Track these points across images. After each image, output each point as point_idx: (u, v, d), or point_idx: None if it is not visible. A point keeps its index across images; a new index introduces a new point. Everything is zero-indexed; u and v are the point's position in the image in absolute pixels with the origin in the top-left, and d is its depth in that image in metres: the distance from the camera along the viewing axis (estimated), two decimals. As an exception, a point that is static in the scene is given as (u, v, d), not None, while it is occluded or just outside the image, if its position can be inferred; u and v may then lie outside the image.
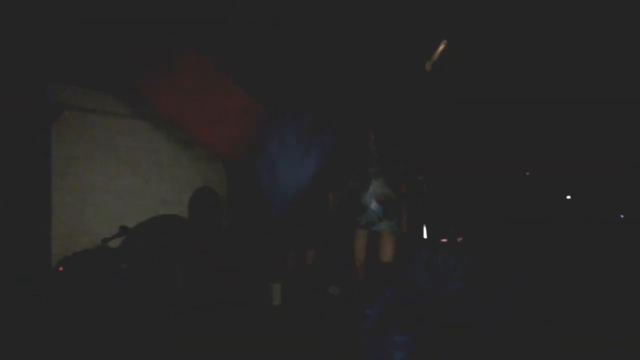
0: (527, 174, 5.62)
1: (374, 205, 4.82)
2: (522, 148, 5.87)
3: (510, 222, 5.70)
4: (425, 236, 6.15)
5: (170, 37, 5.75)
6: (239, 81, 6.34)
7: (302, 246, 5.55)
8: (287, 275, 5.48)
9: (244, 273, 6.36)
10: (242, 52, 6.15)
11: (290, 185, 5.05)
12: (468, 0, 5.68)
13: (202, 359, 3.61)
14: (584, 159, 5.54)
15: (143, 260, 3.81)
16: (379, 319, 3.63)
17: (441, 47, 6.07)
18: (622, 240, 5.01)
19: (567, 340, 3.43)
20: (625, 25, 5.10)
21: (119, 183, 6.77)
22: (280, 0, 5.57)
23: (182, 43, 5.88)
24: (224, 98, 6.45)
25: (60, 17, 5.30)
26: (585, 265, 4.79)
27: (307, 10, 5.59)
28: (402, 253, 5.22)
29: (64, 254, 5.56)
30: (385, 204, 4.80)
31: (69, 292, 4.04)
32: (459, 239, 5.83)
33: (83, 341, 3.43)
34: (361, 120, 5.91)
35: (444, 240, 5.93)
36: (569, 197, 5.38)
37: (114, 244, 4.45)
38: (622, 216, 5.15)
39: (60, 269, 4.43)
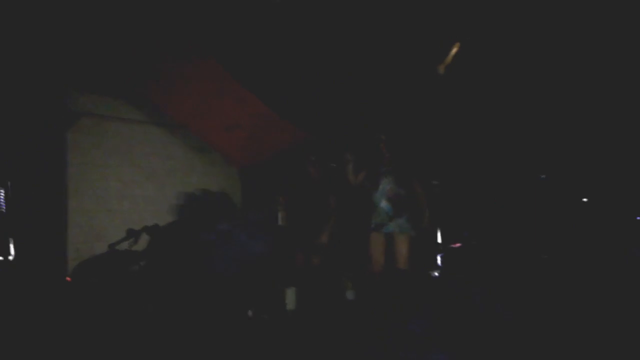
0: (543, 177, 5.56)
1: (383, 203, 4.81)
2: (536, 150, 5.81)
3: (525, 225, 5.63)
4: (439, 240, 6.10)
5: (186, 45, 5.79)
6: (254, 89, 6.37)
7: (310, 248, 5.54)
8: (301, 280, 5.44)
9: (258, 277, 6.35)
10: (257, 60, 6.17)
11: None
12: (480, 4, 5.65)
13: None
14: (599, 161, 5.46)
15: (153, 262, 3.81)
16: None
17: (454, 50, 6.05)
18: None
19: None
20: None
21: (134, 189, 6.81)
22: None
23: (198, 51, 5.92)
24: (238, 105, 6.50)
25: (78, 26, 5.36)
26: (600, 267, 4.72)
27: (318, 11, 5.60)
28: (420, 257, 5.18)
29: (80, 259, 5.61)
30: (395, 202, 4.78)
31: (78, 299, 4.06)
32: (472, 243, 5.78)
33: (93, 344, 3.43)
34: (372, 121, 5.90)
35: (457, 245, 5.87)
36: (585, 199, 5.30)
37: (122, 247, 4.46)
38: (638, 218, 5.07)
39: (68, 279, 4.46)
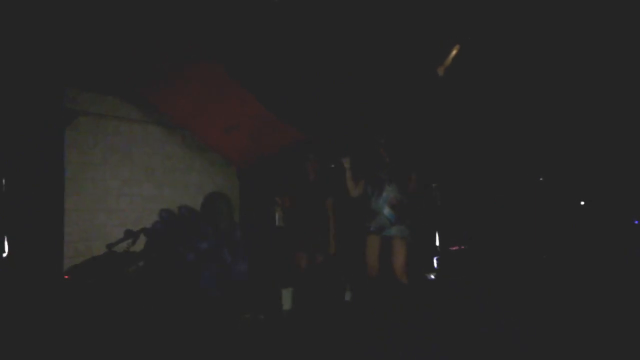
0: (541, 179, 5.56)
1: (386, 210, 4.81)
2: (535, 153, 5.81)
3: (525, 226, 5.64)
4: (437, 243, 6.10)
5: (185, 45, 5.79)
6: (253, 89, 6.38)
7: (312, 250, 5.55)
8: (299, 280, 5.46)
9: (255, 277, 6.36)
10: (256, 60, 6.17)
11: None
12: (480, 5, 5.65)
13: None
14: (598, 163, 5.46)
15: (152, 263, 3.80)
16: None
17: (454, 52, 6.05)
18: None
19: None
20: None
21: (133, 188, 6.82)
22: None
23: (197, 51, 5.92)
24: (237, 106, 6.51)
25: (77, 24, 5.36)
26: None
27: (318, 12, 5.60)
28: (417, 259, 5.19)
29: (78, 258, 5.62)
30: (398, 208, 4.79)
31: (75, 299, 4.05)
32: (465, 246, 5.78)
33: (91, 346, 3.44)
34: (372, 124, 5.90)
35: (455, 247, 5.87)
36: (582, 202, 5.30)
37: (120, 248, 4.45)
38: (637, 222, 5.07)
39: (65, 277, 4.45)
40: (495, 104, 5.89)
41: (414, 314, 4.10)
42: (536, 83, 5.69)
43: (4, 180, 5.35)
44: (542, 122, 5.68)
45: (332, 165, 6.32)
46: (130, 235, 4.33)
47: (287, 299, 5.28)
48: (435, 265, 5.83)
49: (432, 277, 5.71)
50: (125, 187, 6.75)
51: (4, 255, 5.09)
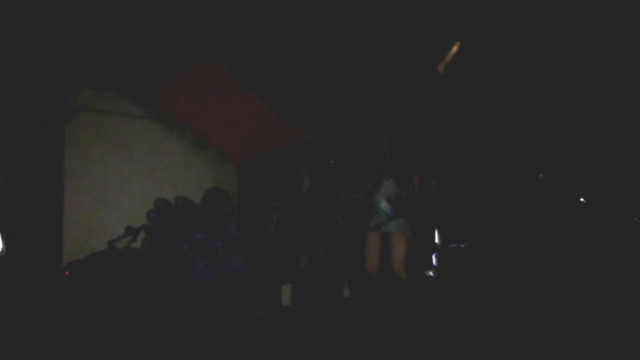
0: (541, 175, 5.55)
1: (384, 204, 4.79)
2: (536, 149, 5.80)
3: (523, 226, 5.64)
4: (437, 240, 6.09)
5: (186, 45, 5.82)
6: (254, 88, 6.39)
7: (313, 247, 5.56)
8: (298, 277, 5.47)
9: (255, 274, 6.37)
10: (257, 59, 6.19)
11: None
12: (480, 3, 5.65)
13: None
14: (598, 160, 5.47)
15: (152, 260, 3.80)
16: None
17: (454, 49, 6.05)
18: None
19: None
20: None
21: (132, 185, 6.83)
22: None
23: (198, 51, 5.94)
24: (238, 104, 6.53)
25: (78, 22, 5.37)
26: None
27: (318, 11, 5.60)
28: (415, 257, 5.19)
29: (78, 254, 5.63)
30: (395, 203, 4.77)
31: (76, 295, 4.06)
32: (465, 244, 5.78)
33: (91, 342, 3.45)
34: (372, 121, 5.90)
35: (454, 245, 5.87)
36: (582, 199, 5.30)
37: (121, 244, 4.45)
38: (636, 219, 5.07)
39: (67, 273, 4.45)
40: (495, 100, 5.89)
41: (413, 313, 4.11)
42: (537, 79, 5.68)
43: (1, 177, 5.36)
44: (543, 119, 5.68)
45: (332, 161, 6.32)
46: (131, 232, 4.33)
47: (286, 295, 5.30)
48: (435, 262, 5.83)
49: (431, 274, 5.72)
50: (125, 184, 6.76)
51: (1, 252, 5.09)
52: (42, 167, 5.71)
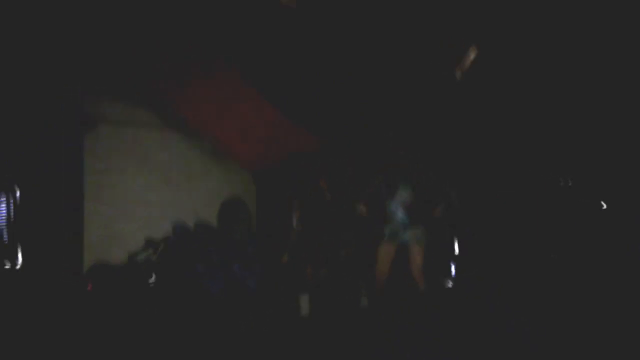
0: (564, 181, 5.46)
1: (400, 213, 4.71)
2: (551, 151, 5.70)
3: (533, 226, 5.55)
4: (456, 250, 6.01)
5: (203, 53, 5.87)
6: (269, 96, 6.42)
7: (332, 257, 5.54)
8: (316, 286, 5.44)
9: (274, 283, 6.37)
10: (272, 68, 6.22)
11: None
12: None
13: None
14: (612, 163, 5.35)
15: (171, 274, 3.80)
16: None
17: (472, 55, 5.99)
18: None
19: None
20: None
21: (151, 195, 6.89)
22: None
23: (215, 59, 5.99)
24: (254, 112, 6.57)
25: (97, 33, 5.45)
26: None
27: (335, 20, 5.61)
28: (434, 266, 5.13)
29: (97, 263, 5.68)
30: (412, 211, 4.69)
31: (98, 307, 4.09)
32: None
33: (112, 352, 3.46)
34: (390, 129, 5.86)
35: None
36: (604, 205, 5.19)
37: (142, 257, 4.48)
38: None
39: (89, 287, 4.48)
40: (511, 103, 5.81)
41: (423, 314, 4.05)
42: (555, 78, 5.59)
43: (24, 189, 5.44)
44: (559, 121, 5.59)
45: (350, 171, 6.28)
46: (151, 245, 4.35)
47: (304, 305, 5.28)
48: (453, 271, 5.75)
49: (450, 284, 5.64)
50: (144, 193, 6.82)
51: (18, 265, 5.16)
52: (62, 178, 5.78)
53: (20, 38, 5.22)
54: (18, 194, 5.50)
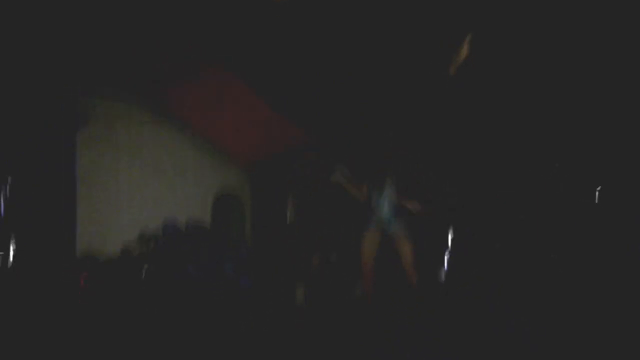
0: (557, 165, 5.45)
1: (386, 209, 4.70)
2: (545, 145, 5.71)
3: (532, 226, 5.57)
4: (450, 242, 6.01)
5: (196, 50, 5.86)
6: (260, 91, 6.42)
7: (325, 248, 5.54)
8: (311, 276, 5.46)
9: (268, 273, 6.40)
10: (263, 64, 6.22)
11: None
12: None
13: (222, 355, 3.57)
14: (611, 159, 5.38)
15: (152, 276, 3.81)
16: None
17: (465, 49, 5.99)
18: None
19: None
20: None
21: (144, 189, 6.86)
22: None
23: (208, 56, 5.98)
24: (246, 109, 6.57)
25: (89, 28, 5.41)
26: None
27: (326, 14, 5.59)
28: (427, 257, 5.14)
29: (90, 259, 5.67)
30: (398, 204, 4.69)
31: (93, 300, 4.09)
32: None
33: (108, 343, 3.46)
34: (377, 123, 5.86)
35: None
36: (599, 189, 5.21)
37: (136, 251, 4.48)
38: None
39: (82, 281, 4.48)
40: (507, 99, 5.81)
41: (423, 314, 4.07)
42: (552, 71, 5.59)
43: (17, 182, 5.40)
44: (558, 121, 5.60)
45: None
46: (144, 239, 4.36)
47: (300, 293, 5.32)
48: (446, 264, 5.77)
49: (443, 276, 5.65)
50: (137, 188, 6.79)
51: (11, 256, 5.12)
52: (55, 172, 5.74)
53: (13, 33, 5.18)
54: (9, 188, 5.46)
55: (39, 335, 3.54)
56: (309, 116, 6.48)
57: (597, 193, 5.24)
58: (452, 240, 5.91)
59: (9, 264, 5.18)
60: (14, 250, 5.39)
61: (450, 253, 5.96)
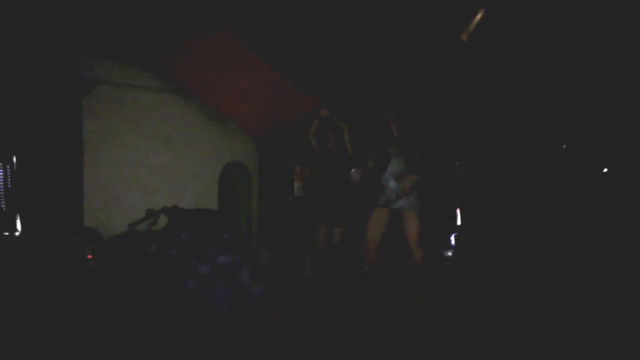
0: (564, 146, 5.36)
1: (392, 184, 4.67)
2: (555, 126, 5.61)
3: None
4: (458, 221, 5.96)
5: (203, 15, 5.73)
6: (269, 59, 6.31)
7: (331, 223, 5.50)
8: (318, 250, 5.45)
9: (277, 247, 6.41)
10: (272, 30, 6.09)
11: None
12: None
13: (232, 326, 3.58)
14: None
15: (172, 244, 3.76)
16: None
17: (478, 17, 5.83)
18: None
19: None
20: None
21: (150, 158, 6.82)
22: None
23: (214, 21, 5.86)
24: (254, 76, 6.46)
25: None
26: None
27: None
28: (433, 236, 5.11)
29: (97, 227, 5.68)
30: (404, 181, 4.63)
31: (99, 277, 4.08)
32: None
33: (112, 324, 3.47)
34: (383, 101, 5.77)
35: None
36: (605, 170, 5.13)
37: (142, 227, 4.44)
38: None
39: (89, 256, 4.47)
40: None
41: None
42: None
43: (22, 154, 5.39)
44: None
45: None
46: (152, 214, 4.33)
47: (308, 266, 5.36)
48: (453, 243, 5.74)
49: (449, 253, 5.62)
50: (143, 157, 6.75)
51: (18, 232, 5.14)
52: (61, 141, 5.72)
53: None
54: (15, 159, 5.45)
55: (46, 311, 3.56)
56: (319, 84, 6.38)
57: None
58: (463, 220, 5.89)
59: (16, 237, 5.23)
60: (20, 222, 5.42)
61: (453, 225, 5.96)
